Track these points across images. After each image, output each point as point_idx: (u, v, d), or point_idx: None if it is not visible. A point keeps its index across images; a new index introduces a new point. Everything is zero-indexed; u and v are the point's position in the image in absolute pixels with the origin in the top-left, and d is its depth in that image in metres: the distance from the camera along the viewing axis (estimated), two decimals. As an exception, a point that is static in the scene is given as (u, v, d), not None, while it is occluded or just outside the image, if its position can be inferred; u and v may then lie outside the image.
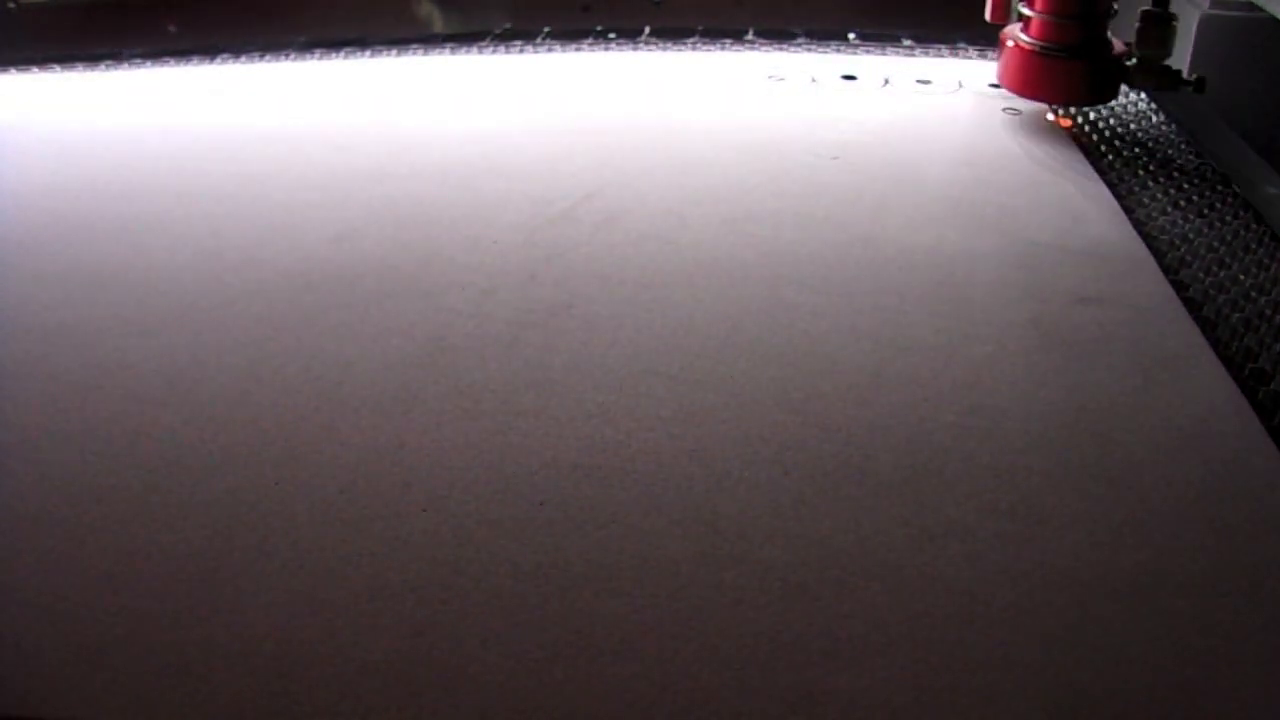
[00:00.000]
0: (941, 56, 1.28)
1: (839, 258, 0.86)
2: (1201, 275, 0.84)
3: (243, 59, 1.29)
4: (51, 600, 0.56)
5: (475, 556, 0.58)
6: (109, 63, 1.30)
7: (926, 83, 1.19)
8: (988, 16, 1.11)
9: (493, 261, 0.86)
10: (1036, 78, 1.07)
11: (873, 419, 0.68)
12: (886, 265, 0.85)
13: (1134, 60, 1.05)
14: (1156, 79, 1.05)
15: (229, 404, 0.70)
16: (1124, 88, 1.12)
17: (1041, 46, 1.05)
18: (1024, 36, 1.06)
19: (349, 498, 0.62)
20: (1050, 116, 1.12)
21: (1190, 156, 1.03)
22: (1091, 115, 1.11)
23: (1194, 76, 1.05)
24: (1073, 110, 1.12)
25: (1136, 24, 1.03)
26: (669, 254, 0.87)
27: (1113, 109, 1.13)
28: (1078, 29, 1.04)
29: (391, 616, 0.55)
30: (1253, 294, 0.81)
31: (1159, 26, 1.02)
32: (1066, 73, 1.06)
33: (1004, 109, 1.12)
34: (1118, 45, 1.06)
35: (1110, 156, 1.03)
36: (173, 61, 1.30)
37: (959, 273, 0.84)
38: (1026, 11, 1.06)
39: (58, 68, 1.29)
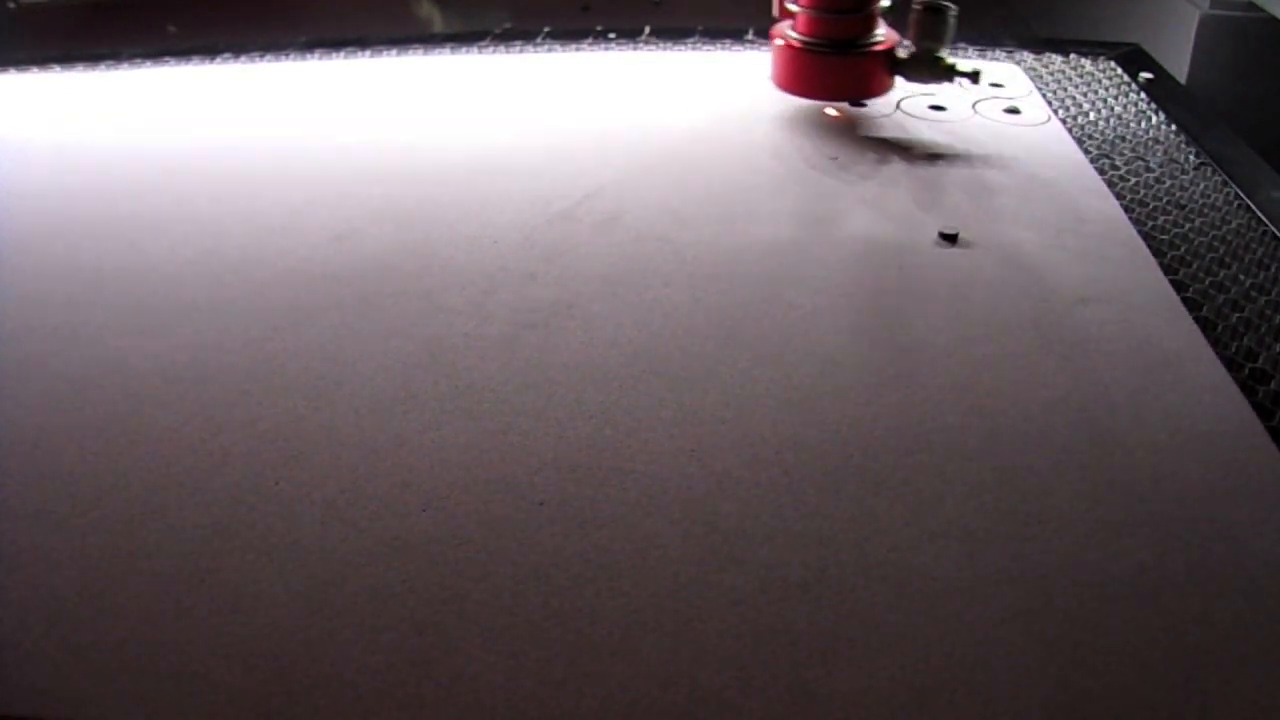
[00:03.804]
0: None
1: (839, 258, 0.86)
2: (1201, 275, 0.84)
3: (243, 59, 1.29)
4: (51, 600, 0.56)
5: (475, 556, 0.58)
6: (109, 63, 1.30)
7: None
8: (774, 13, 1.08)
9: (493, 261, 0.86)
10: (805, 75, 1.05)
11: (873, 419, 0.68)
12: (886, 265, 0.85)
13: (908, 53, 1.03)
14: (929, 71, 1.04)
15: (229, 404, 0.70)
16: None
17: (808, 43, 1.03)
18: (792, 33, 1.05)
19: (349, 498, 0.62)
20: (831, 111, 1.10)
21: (1190, 156, 1.03)
22: (1091, 115, 1.11)
23: (971, 70, 1.03)
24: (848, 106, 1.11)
25: (911, 16, 1.01)
26: (669, 254, 0.87)
27: (1113, 109, 1.13)
28: (844, 24, 1.02)
29: (391, 616, 0.55)
30: (1253, 294, 0.81)
31: (932, 18, 1.01)
32: (834, 68, 1.04)
33: (1004, 109, 1.12)
34: (891, 38, 1.04)
35: (1110, 156, 1.03)
36: (173, 61, 1.30)
37: (959, 272, 0.84)
38: (793, 7, 1.04)
39: (58, 68, 1.29)
